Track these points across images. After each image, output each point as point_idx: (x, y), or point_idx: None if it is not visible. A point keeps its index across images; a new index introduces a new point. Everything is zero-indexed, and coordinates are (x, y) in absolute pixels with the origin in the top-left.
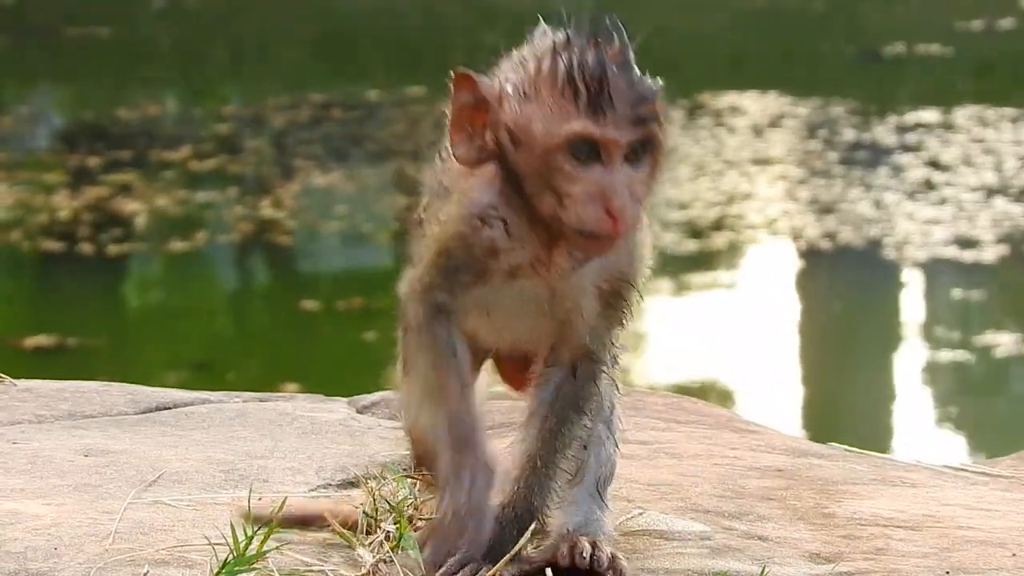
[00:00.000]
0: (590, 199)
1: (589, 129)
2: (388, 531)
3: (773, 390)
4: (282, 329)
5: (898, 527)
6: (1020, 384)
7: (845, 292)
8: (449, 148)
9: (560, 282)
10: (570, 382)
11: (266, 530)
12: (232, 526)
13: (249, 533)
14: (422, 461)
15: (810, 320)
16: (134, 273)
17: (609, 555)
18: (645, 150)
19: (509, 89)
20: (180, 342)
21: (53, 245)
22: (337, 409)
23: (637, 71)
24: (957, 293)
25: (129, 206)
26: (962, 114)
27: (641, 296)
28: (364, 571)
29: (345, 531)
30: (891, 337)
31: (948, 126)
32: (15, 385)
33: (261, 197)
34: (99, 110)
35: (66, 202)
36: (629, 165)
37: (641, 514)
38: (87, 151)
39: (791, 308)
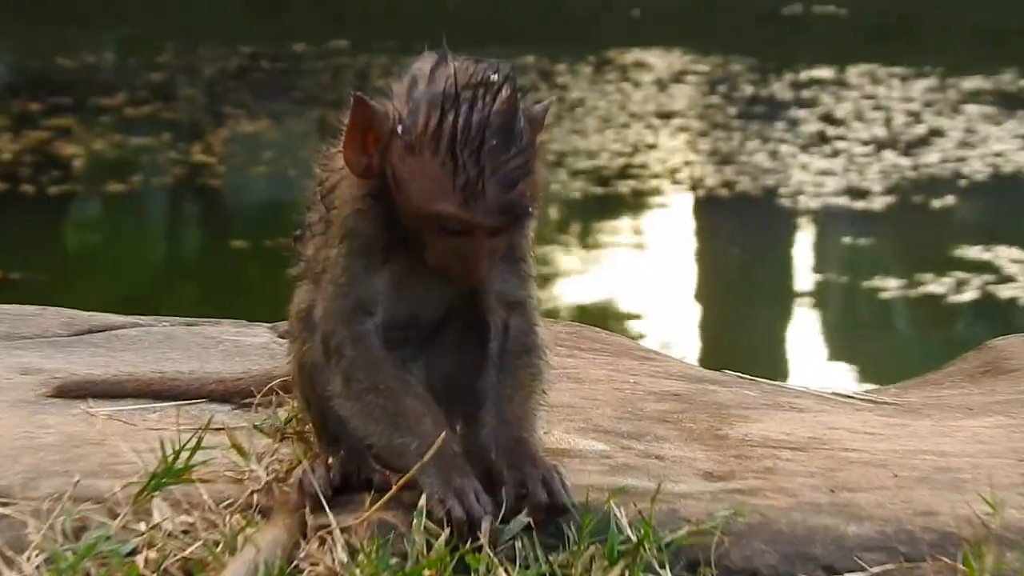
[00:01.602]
0: (450, 258)
1: (459, 214)
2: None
3: (673, 327)
4: (212, 265)
5: (786, 448)
6: (904, 323)
7: (742, 238)
8: (341, 151)
9: None
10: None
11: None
12: (161, 440)
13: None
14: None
15: (709, 263)
16: (73, 213)
17: (553, 466)
18: (513, 227)
19: (399, 130)
20: (116, 277)
21: None
22: (260, 334)
23: (518, 133)
24: (847, 240)
25: (68, 149)
26: (855, 72)
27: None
28: (259, 487)
29: (239, 446)
30: (784, 280)
31: (841, 83)
32: None
33: (193, 142)
34: (41, 60)
35: (8, 145)
36: (494, 236)
37: (545, 434)
38: (29, 97)
39: (691, 252)
